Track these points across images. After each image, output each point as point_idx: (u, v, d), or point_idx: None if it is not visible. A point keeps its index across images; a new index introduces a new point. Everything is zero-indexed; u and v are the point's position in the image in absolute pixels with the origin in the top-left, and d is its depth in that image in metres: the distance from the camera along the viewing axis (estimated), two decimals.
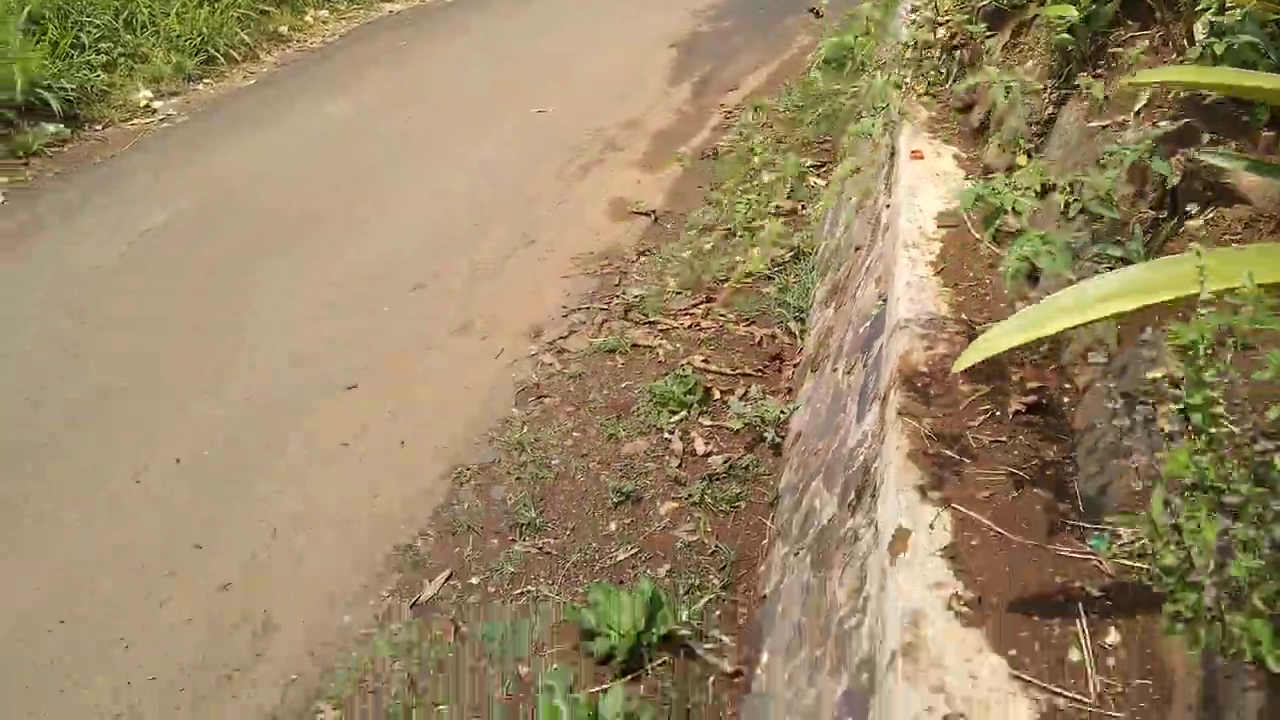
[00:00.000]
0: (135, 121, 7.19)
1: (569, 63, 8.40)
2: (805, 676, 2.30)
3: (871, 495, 2.16)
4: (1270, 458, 1.11)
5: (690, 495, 3.73)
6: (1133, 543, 1.65)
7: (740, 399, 4.17)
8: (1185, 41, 2.27)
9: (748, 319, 4.85)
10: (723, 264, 5.25)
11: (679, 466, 3.89)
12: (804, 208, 5.83)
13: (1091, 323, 1.57)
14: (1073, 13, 2.45)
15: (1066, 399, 2.04)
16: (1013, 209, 1.87)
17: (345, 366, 4.60)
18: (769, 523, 3.54)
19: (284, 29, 8.76)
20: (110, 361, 4.65)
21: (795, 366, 4.41)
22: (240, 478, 3.95)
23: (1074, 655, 1.50)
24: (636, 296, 5.05)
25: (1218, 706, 1.20)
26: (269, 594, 3.44)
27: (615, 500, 3.74)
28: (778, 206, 5.87)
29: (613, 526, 3.66)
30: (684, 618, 3.18)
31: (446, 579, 3.49)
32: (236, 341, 4.79)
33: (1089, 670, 1.48)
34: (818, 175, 6.19)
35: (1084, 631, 1.53)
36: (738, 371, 4.45)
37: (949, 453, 1.91)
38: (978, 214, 2.20)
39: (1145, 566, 1.60)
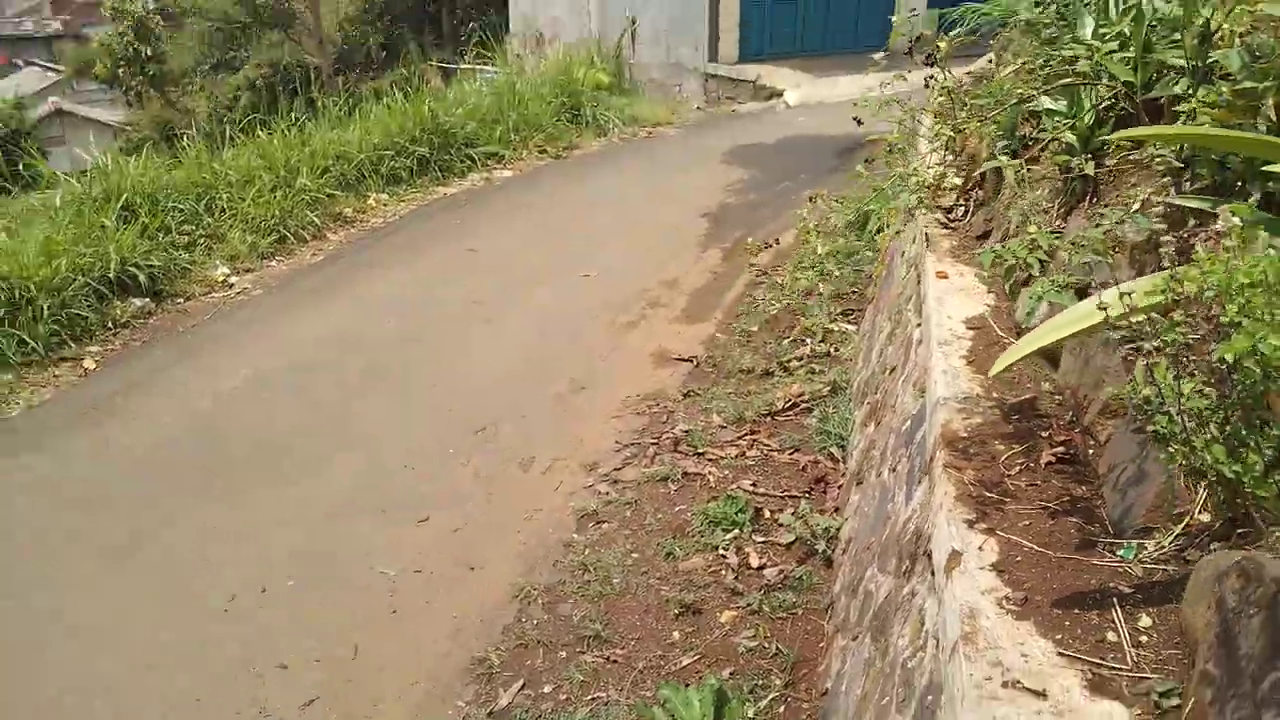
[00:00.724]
0: (214, 295, 7.81)
1: (611, 233, 9.05)
2: None
3: (925, 553, 2.39)
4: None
5: (748, 604, 3.91)
6: (1157, 551, 1.89)
7: (790, 515, 4.39)
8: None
9: (791, 448, 5.12)
10: (764, 400, 5.57)
11: (735, 579, 4.09)
12: (837, 349, 6.19)
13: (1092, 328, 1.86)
14: (1071, 137, 2.86)
15: (1091, 450, 2.30)
16: (1025, 262, 2.20)
17: (416, 501, 4.89)
18: (826, 624, 3.71)
19: (348, 211, 9.54)
20: (221, 481, 4.98)
21: (840, 488, 4.65)
22: (323, 602, 4.19)
23: (1111, 636, 1.72)
24: (684, 431, 5.36)
25: (1230, 640, 1.42)
26: (354, 707, 3.62)
27: (677, 611, 3.93)
28: (813, 350, 6.24)
29: (675, 635, 3.83)
30: (750, 714, 3.32)
31: (520, 688, 3.66)
32: (318, 475, 5.12)
33: (1126, 646, 1.69)
34: (848, 321, 6.58)
35: (1119, 619, 1.75)
36: (785, 493, 4.69)
37: (990, 494, 2.17)
38: (997, 276, 2.53)
39: (1173, 568, 1.85)
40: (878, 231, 7.51)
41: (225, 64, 23.38)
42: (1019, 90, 3.29)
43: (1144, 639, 1.71)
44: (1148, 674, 1.63)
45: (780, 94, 14.51)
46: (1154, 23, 2.91)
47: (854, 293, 7.12)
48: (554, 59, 14.61)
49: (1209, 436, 1.31)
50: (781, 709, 3.40)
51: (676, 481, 4.88)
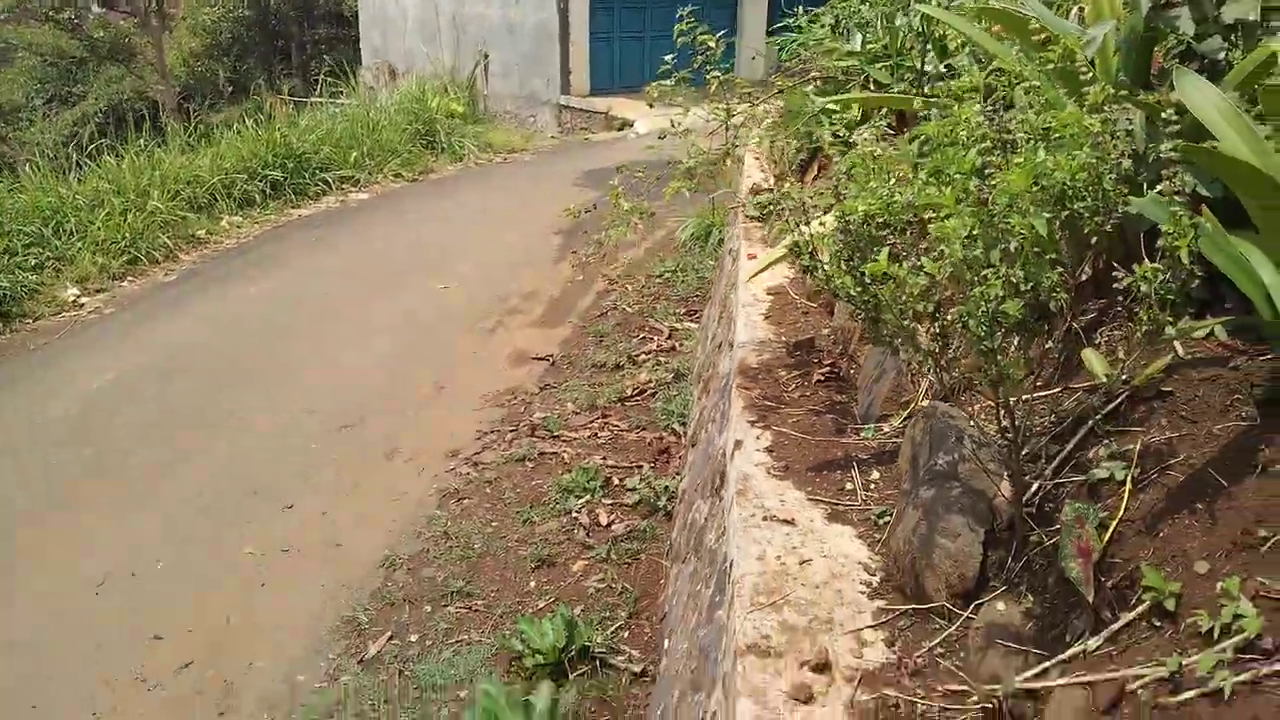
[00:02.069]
0: (64, 315, 7.77)
1: (468, 248, 9.42)
2: (692, 619, 2.93)
3: (723, 476, 2.89)
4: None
5: (598, 554, 4.36)
6: (890, 429, 2.44)
7: (636, 480, 4.87)
8: None
9: (639, 427, 5.61)
10: (614, 389, 6.05)
11: (586, 535, 4.53)
12: (681, 344, 6.75)
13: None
14: (826, 133, 3.48)
15: (852, 370, 2.86)
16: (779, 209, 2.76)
17: (281, 490, 5.13)
18: (665, 561, 4.19)
19: (201, 233, 9.59)
20: (74, 475, 5.08)
21: (680, 456, 5.16)
22: (194, 578, 4.40)
23: (849, 486, 2.25)
24: (541, 418, 5.78)
25: (914, 460, 1.96)
26: (228, 667, 3.87)
27: (533, 565, 4.34)
28: (659, 345, 6.78)
29: (532, 584, 4.24)
30: (598, 640, 3.75)
31: (388, 639, 3.99)
32: (188, 471, 5.29)
33: (859, 491, 2.23)
34: (691, 320, 7.16)
35: (856, 475, 2.29)
36: (633, 464, 5.17)
37: (770, 403, 2.69)
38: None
39: (899, 440, 2.39)
40: (719, 243, 8.18)
41: (61, 98, 22.55)
42: (807, 101, 3.90)
43: (873, 486, 2.25)
44: (872, 506, 2.16)
45: (631, 124, 15.19)
46: (906, 36, 3.55)
47: (697, 296, 7.72)
48: (407, 88, 14.90)
49: (840, 269, 1.85)
50: (626, 634, 3.85)
51: (533, 460, 5.29)
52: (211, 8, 24.85)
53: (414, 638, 3.98)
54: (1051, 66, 1.88)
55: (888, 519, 2.08)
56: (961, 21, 2.44)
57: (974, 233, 1.52)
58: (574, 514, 4.71)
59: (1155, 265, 1.44)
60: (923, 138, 1.87)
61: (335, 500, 5.08)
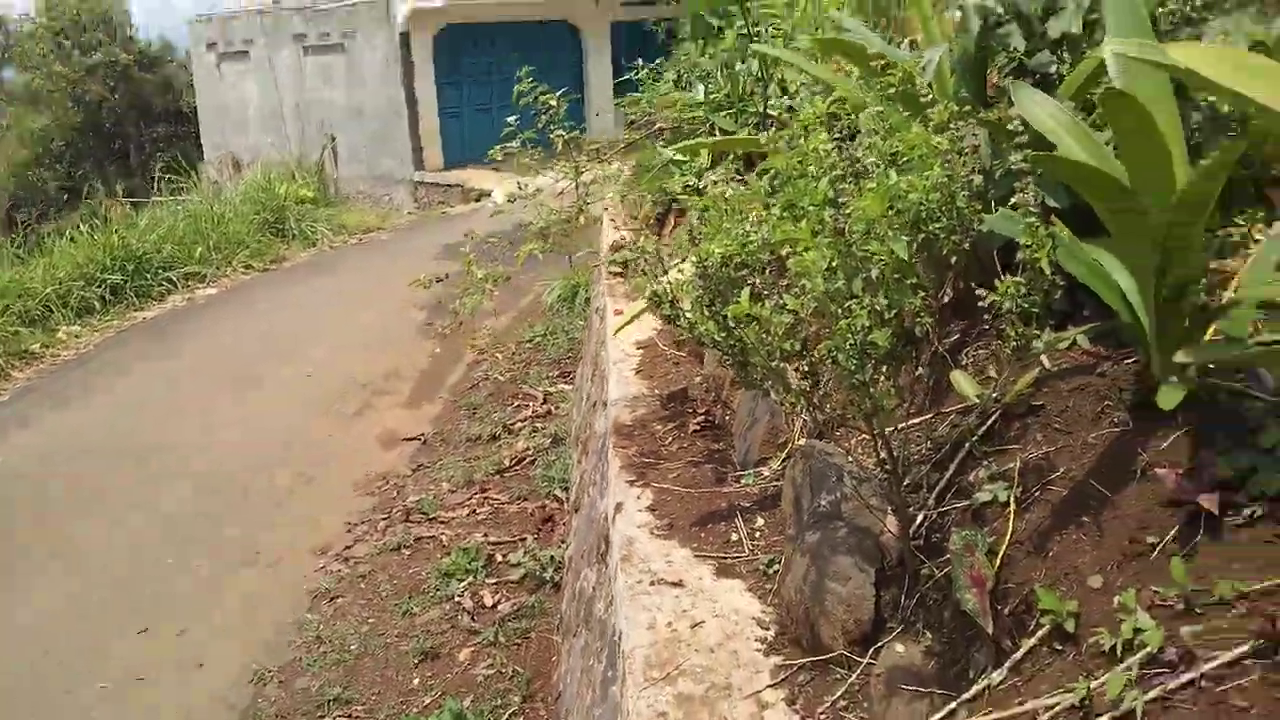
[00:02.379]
0: None
1: (328, 333, 9.08)
2: (587, 696, 2.77)
3: (608, 541, 2.76)
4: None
5: (485, 639, 4.13)
6: (770, 474, 2.36)
7: (520, 554, 4.67)
8: None
9: (520, 498, 5.42)
10: (491, 461, 5.85)
11: (471, 620, 4.29)
12: (557, 407, 6.61)
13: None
14: (677, 183, 3.46)
15: (727, 416, 2.79)
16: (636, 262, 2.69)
17: (133, 614, 4.70)
18: (557, 637, 3.99)
19: (35, 347, 8.96)
20: None
21: (565, 523, 4.99)
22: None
23: (734, 537, 2.16)
24: (415, 501, 5.52)
25: (797, 501, 1.88)
26: None
27: (416, 660, 4.07)
28: (535, 411, 6.62)
29: (415, 681, 3.97)
30: None
31: None
32: (27, 608, 4.79)
33: (745, 541, 2.13)
34: (565, 381, 7.03)
35: (740, 524, 2.19)
36: (515, 538, 4.97)
37: (648, 460, 2.59)
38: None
39: (780, 482, 2.32)
40: (586, 302, 8.13)
41: None
42: (656, 156, 3.89)
43: (758, 534, 2.16)
44: (760, 555, 2.07)
45: (488, 193, 15.12)
46: (746, 81, 3.57)
47: (569, 358, 7.61)
48: (252, 178, 14.47)
49: (703, 315, 1.79)
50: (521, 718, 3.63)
51: (409, 547, 5.02)
52: (40, 114, 23.77)
53: None
54: (893, 90, 1.87)
55: (777, 567, 1.99)
56: (799, 58, 2.45)
57: (833, 264, 1.46)
58: (456, 599, 4.47)
59: (1016, 280, 1.41)
60: (772, 172, 1.83)
61: (194, 617, 4.68)
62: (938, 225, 1.50)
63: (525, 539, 4.89)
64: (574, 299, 8.45)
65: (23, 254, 10.78)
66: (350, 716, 3.81)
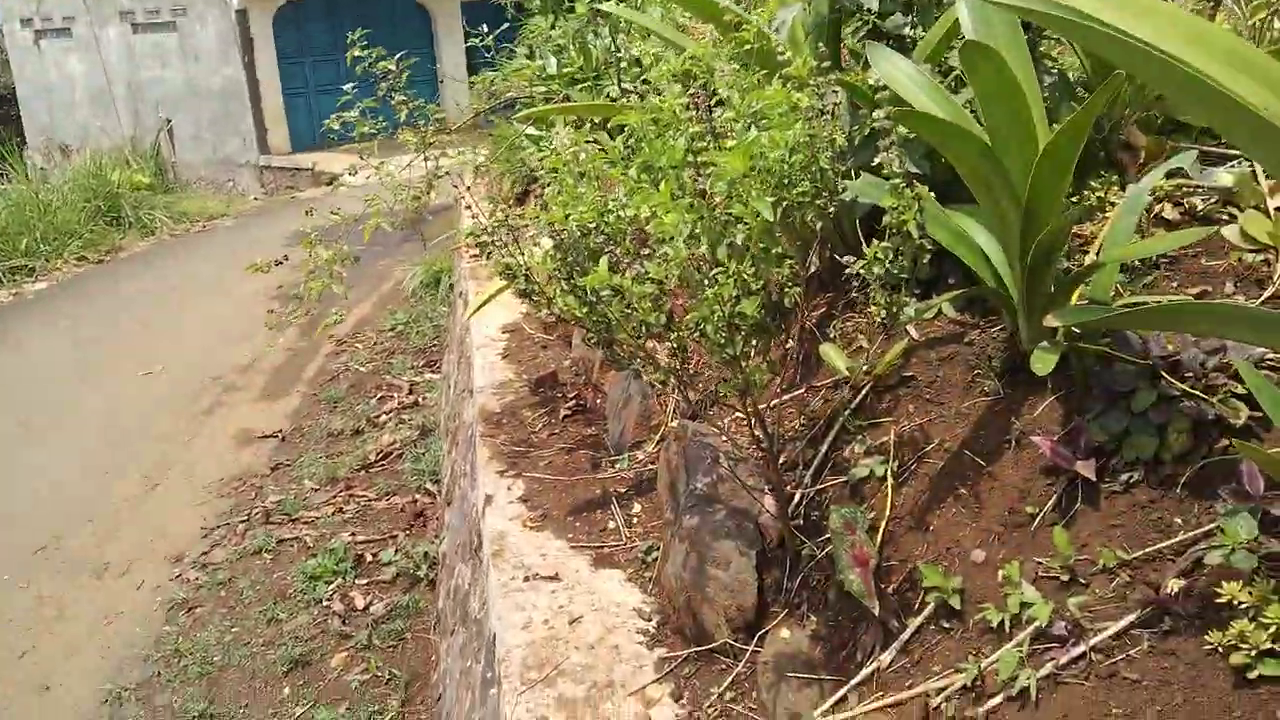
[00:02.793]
0: None
1: (173, 327, 8.55)
2: (466, 699, 2.66)
3: (480, 535, 2.65)
4: None
5: (358, 643, 3.95)
6: (645, 457, 2.29)
7: (391, 551, 4.49)
8: None
9: (388, 493, 5.21)
10: (356, 457, 5.61)
11: (343, 623, 4.10)
12: (424, 398, 6.40)
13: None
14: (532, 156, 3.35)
15: (599, 400, 2.71)
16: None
17: None
18: (434, 636, 3.85)
19: None
20: None
21: (438, 518, 4.83)
22: None
23: (611, 525, 2.08)
24: (275, 502, 5.24)
25: (672, 483, 1.81)
26: None
27: (285, 669, 3.86)
28: (400, 402, 6.39)
29: (286, 691, 3.77)
30: None
31: None
32: None
33: (622, 529, 2.06)
34: (431, 371, 6.82)
35: (616, 511, 2.12)
36: (386, 535, 4.78)
37: (519, 448, 2.48)
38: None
39: (655, 465, 2.25)
40: (450, 288, 7.90)
41: None
42: (512, 133, 3.75)
43: (635, 521, 2.09)
44: (638, 543, 2.00)
45: (339, 177, 14.56)
46: (599, 55, 3.47)
47: (434, 346, 7.39)
48: (81, 164, 13.46)
49: (561, 290, 1.70)
50: None
51: (272, 551, 4.76)
52: None
53: None
54: (747, 48, 1.81)
55: (656, 554, 1.92)
56: (649, 19, 2.37)
57: (696, 229, 1.39)
58: (325, 602, 4.26)
59: (883, 244, 1.37)
60: (626, 132, 1.74)
61: (37, 635, 4.32)
62: (800, 190, 1.45)
63: (396, 536, 4.70)
64: (437, 285, 8.20)
65: None
66: None
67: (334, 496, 5.25)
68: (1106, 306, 1.39)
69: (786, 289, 1.45)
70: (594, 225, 1.58)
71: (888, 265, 1.35)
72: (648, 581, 1.90)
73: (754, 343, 1.60)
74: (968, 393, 1.62)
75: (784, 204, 1.43)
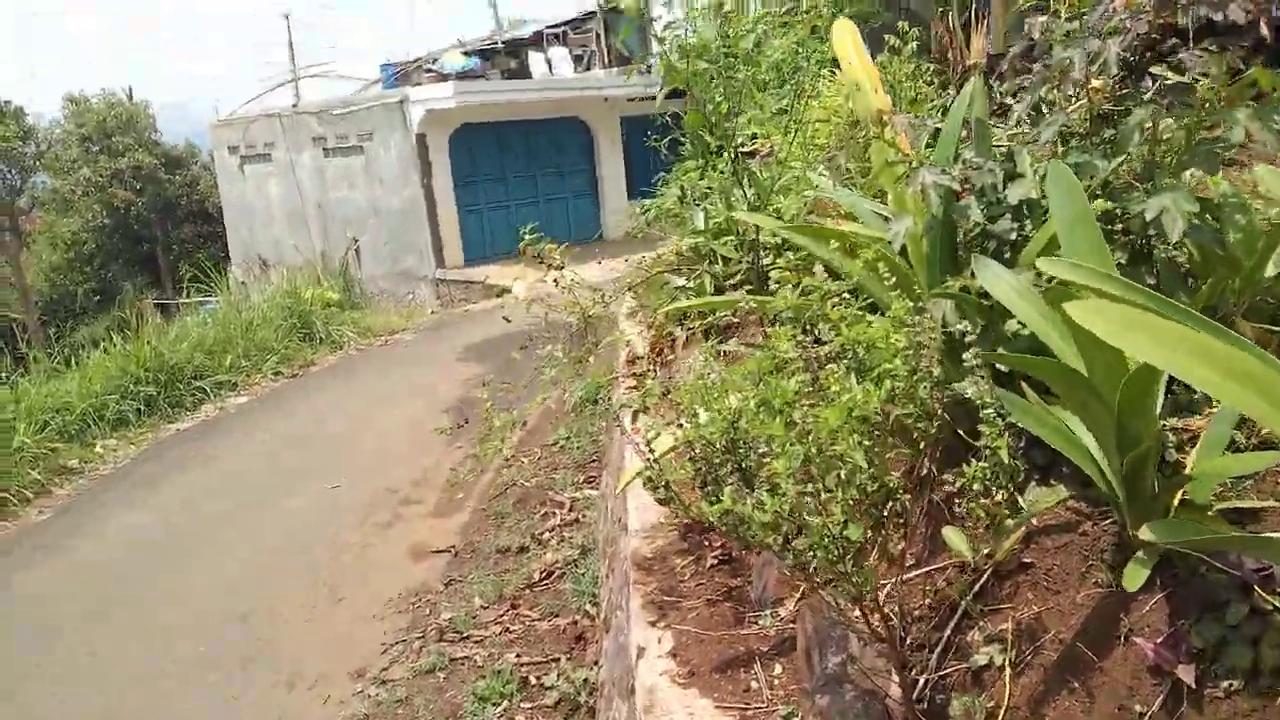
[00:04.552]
0: None
1: (356, 440, 9.26)
2: None
3: (633, 686, 2.85)
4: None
5: None
6: (786, 615, 2.45)
7: (553, 676, 4.73)
8: None
9: (551, 614, 5.48)
10: (521, 575, 5.92)
11: None
12: (583, 515, 6.70)
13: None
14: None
15: (744, 551, 2.89)
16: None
17: None
18: None
19: (74, 462, 9.19)
20: None
21: (596, 641, 5.04)
22: None
23: (754, 685, 2.23)
24: (448, 619, 5.59)
25: (809, 657, 1.96)
26: None
27: None
28: (562, 519, 6.72)
29: None
30: None
31: None
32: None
33: (764, 690, 2.21)
34: (591, 486, 7.13)
35: (759, 671, 2.27)
36: (548, 658, 5.02)
37: (669, 598, 2.68)
38: None
39: (793, 625, 2.40)
40: (608, 401, 8.26)
41: None
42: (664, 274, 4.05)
43: (777, 682, 2.24)
44: (779, 707, 2.15)
45: (508, 289, 15.44)
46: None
47: (594, 461, 7.72)
48: (278, 284, 14.87)
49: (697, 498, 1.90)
50: None
51: (445, 669, 5.08)
52: (69, 218, 24.46)
53: None
54: (869, 259, 2.00)
55: (796, 717, 2.07)
56: (773, 223, 2.61)
57: (805, 462, 1.58)
58: None
59: (981, 465, 1.52)
60: (752, 363, 1.96)
61: None
62: (904, 412, 1.62)
63: (558, 659, 4.94)
64: (596, 401, 8.60)
65: (58, 365, 11.14)
66: None
67: (501, 615, 5.56)
68: (1199, 523, 1.48)
69: (896, 497, 1.61)
70: (722, 446, 1.80)
71: (987, 482, 1.50)
72: None
73: (862, 563, 1.74)
74: (1082, 583, 1.71)
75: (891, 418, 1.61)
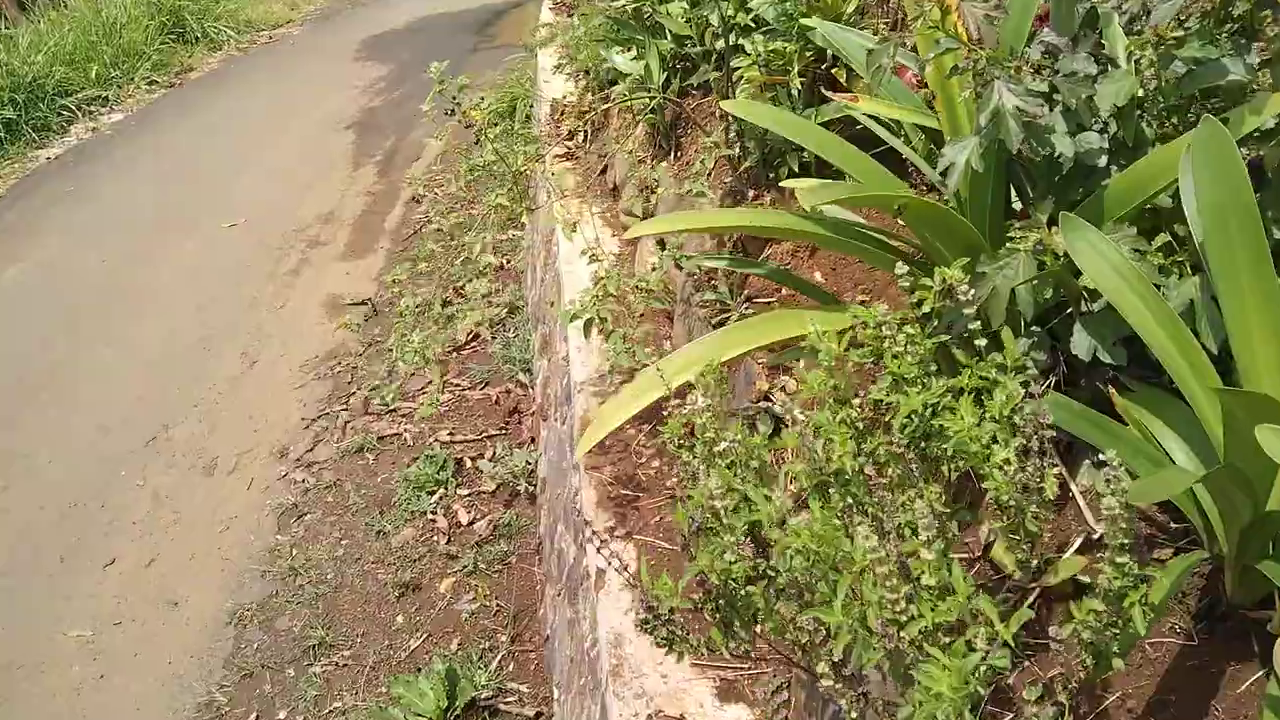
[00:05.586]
0: None
1: (250, 167, 8.39)
2: (581, 704, 2.66)
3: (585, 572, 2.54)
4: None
5: (464, 566, 4.02)
6: None
7: (488, 460, 4.50)
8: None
9: (481, 381, 5.18)
10: (446, 336, 5.52)
11: (448, 542, 4.17)
12: (509, 262, 6.22)
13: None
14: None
15: None
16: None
17: (96, 542, 4.52)
18: (538, 569, 3.89)
19: None
20: None
21: (532, 415, 4.78)
22: (14, 688, 3.86)
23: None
24: (372, 389, 5.25)
25: None
26: None
27: (397, 594, 3.97)
28: (487, 264, 6.22)
29: (400, 619, 3.89)
30: (482, 682, 3.47)
31: None
32: None
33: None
34: (514, 226, 6.58)
35: None
36: (482, 434, 4.77)
37: (627, 492, 2.32)
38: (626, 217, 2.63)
39: None
40: (526, 119, 7.48)
41: None
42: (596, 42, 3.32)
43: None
44: (765, 668, 1.86)
45: None
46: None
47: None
48: None
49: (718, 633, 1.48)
50: (511, 665, 3.58)
51: (373, 449, 4.82)
52: None
53: (282, 714, 3.61)
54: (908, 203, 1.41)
55: (785, 693, 1.80)
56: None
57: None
58: (429, 515, 4.33)
59: (1094, 608, 1.09)
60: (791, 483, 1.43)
61: (159, 542, 4.51)
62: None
63: (495, 440, 4.69)
64: (512, 114, 7.77)
65: None
66: (338, 664, 3.74)
67: (428, 384, 5.23)
68: None
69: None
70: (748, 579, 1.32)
71: (1094, 631, 1.09)
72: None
73: None
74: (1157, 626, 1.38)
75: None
